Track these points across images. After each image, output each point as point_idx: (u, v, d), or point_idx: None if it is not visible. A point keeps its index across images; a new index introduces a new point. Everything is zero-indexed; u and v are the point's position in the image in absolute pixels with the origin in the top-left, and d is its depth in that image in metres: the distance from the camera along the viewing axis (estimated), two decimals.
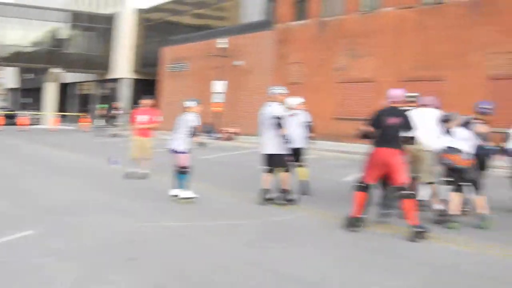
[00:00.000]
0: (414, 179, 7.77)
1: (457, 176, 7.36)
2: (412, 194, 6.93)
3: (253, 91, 29.68)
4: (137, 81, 44.14)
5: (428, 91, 20.95)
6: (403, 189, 6.71)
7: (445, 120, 7.80)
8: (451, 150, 7.38)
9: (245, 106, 29.96)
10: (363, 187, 6.96)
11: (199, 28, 37.23)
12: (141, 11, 44.01)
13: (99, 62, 45.38)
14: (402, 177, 6.74)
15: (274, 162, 8.60)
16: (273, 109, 8.51)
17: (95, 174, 12.09)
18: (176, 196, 8.74)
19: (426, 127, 7.68)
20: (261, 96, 28.74)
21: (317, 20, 26.51)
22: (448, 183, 7.50)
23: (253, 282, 4.81)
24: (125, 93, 43.85)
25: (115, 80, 45.32)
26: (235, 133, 27.18)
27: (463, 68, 20.19)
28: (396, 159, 6.76)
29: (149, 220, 7.31)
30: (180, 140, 8.80)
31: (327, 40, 25.83)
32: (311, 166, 10.01)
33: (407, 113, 7.17)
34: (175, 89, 36.82)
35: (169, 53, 38.00)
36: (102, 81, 47.60)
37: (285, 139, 8.52)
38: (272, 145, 8.51)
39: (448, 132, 7.65)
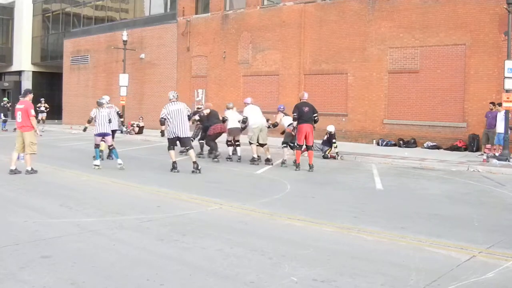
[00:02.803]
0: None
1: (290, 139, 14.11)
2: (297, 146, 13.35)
3: (158, 84, 29.57)
4: (39, 74, 42.35)
5: (331, 84, 22.09)
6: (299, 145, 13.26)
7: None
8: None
9: (150, 100, 29.80)
10: (299, 147, 13.27)
11: (102, 20, 36.30)
12: (40, 1, 42.13)
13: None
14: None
15: (184, 142, 12.23)
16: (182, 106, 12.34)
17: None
18: (120, 164, 12.51)
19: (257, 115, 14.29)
20: (166, 90, 28.79)
21: (220, 14, 26.82)
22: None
23: (167, 275, 4.91)
24: (26, 86, 41.91)
25: (17, 73, 43.27)
26: (142, 127, 26.95)
27: (364, 62, 21.22)
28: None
29: (58, 217, 7.38)
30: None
31: (230, 34, 26.20)
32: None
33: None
34: (79, 82, 35.78)
35: (71, 46, 36.76)
36: (3, 74, 45.33)
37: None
38: (183, 130, 12.06)
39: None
